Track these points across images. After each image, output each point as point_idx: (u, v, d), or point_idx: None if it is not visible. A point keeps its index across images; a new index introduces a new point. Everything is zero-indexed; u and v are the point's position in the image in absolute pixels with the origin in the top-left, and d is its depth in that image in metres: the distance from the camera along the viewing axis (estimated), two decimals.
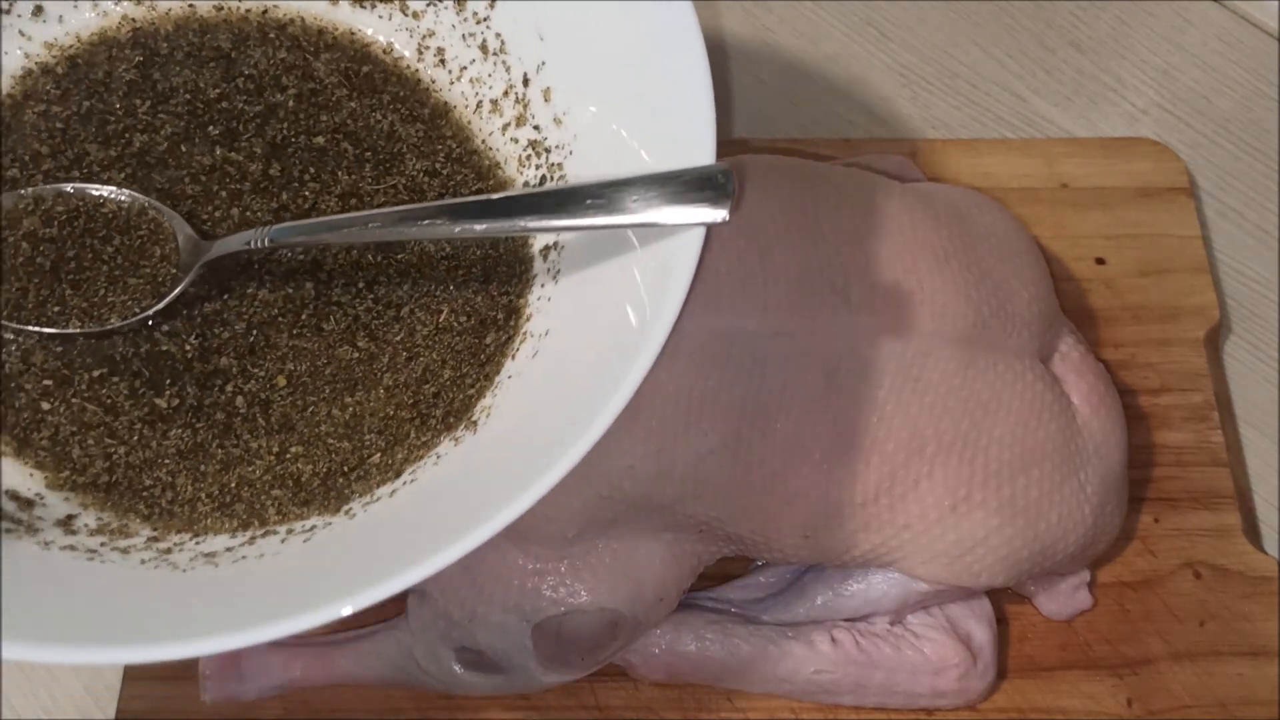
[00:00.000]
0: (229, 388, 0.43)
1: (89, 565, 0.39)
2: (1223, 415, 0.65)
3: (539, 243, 0.48)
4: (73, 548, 0.39)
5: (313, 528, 0.41)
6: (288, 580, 0.39)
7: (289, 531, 0.41)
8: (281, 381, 0.43)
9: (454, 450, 0.43)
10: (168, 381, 0.43)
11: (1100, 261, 0.69)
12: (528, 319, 0.46)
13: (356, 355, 0.44)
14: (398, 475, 0.42)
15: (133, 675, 0.58)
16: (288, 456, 0.43)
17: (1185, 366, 0.66)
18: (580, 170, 0.47)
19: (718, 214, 0.38)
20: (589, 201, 0.40)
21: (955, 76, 0.76)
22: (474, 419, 0.44)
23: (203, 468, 0.42)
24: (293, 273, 0.46)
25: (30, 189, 0.46)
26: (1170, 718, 0.58)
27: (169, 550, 0.40)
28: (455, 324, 0.45)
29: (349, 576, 0.36)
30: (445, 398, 0.44)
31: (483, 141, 0.50)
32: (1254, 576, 0.61)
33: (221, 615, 0.36)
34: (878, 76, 0.76)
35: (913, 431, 0.53)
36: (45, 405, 0.42)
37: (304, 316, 0.45)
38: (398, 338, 0.45)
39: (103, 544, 0.40)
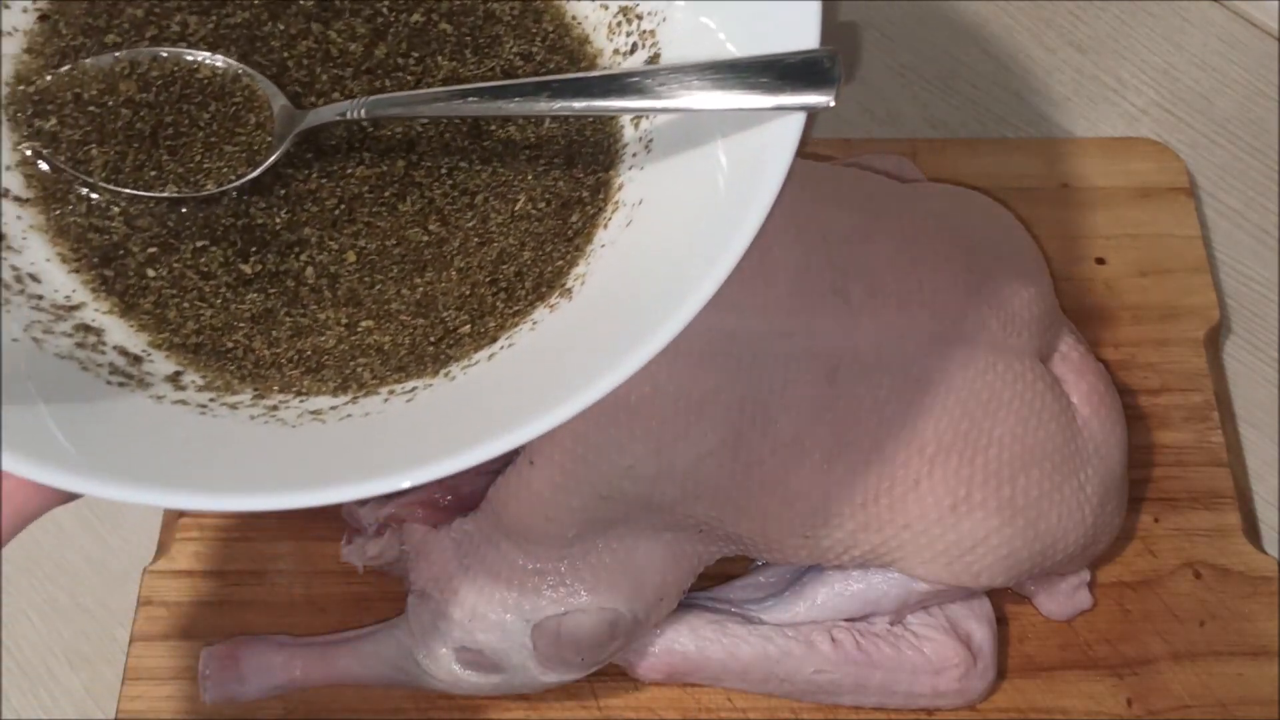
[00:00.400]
0: (303, 257, 0.44)
1: (202, 419, 0.39)
2: (1223, 415, 0.65)
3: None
4: (184, 402, 0.40)
5: (414, 389, 0.41)
6: (396, 437, 0.39)
7: (390, 393, 0.41)
8: (351, 257, 0.44)
9: (550, 316, 0.43)
10: (254, 249, 0.43)
11: (1100, 261, 0.69)
12: (619, 189, 0.45)
13: (426, 239, 0.44)
14: (493, 341, 0.42)
15: (133, 675, 0.59)
16: (359, 330, 0.43)
17: (1185, 366, 0.66)
18: (674, 37, 0.46)
19: (822, 98, 0.38)
20: (689, 82, 0.39)
21: (955, 76, 0.76)
22: (568, 287, 0.43)
23: (274, 333, 0.42)
24: (388, 151, 0.46)
25: (124, 52, 0.46)
26: (1170, 718, 0.58)
27: (275, 408, 0.41)
28: (533, 210, 0.45)
29: (458, 434, 0.36)
30: (531, 272, 0.44)
31: (573, 16, 0.49)
32: (1254, 576, 0.61)
33: (336, 468, 0.37)
34: (878, 76, 0.76)
35: (913, 431, 0.53)
36: (151, 272, 0.43)
37: (386, 194, 0.45)
38: (469, 224, 0.45)
39: (211, 400, 0.41)
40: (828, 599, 0.57)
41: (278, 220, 0.44)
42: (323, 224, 0.44)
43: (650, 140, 0.46)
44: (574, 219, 0.45)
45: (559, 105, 0.41)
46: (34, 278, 0.41)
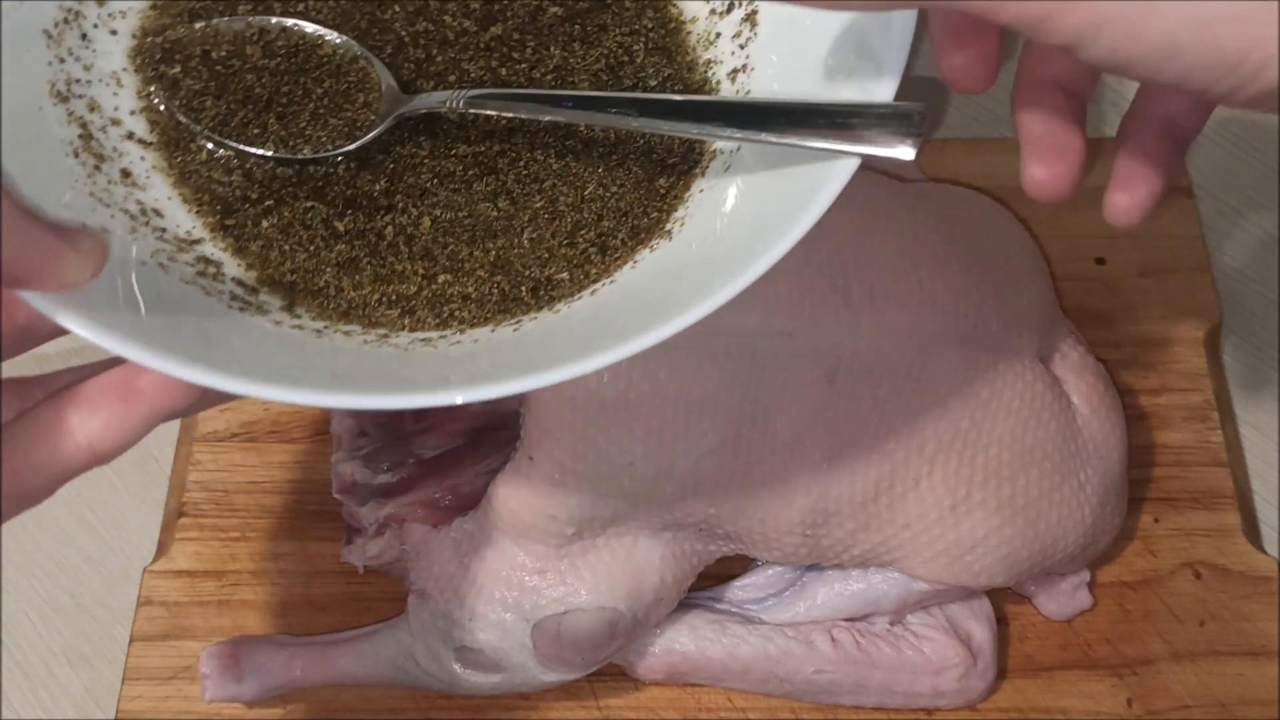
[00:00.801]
0: (386, 218, 0.46)
1: (319, 341, 0.42)
2: (1223, 415, 0.65)
3: (727, 66, 0.49)
4: (300, 328, 0.43)
5: (519, 321, 0.44)
6: (505, 355, 0.42)
7: (497, 324, 0.44)
8: (426, 223, 0.46)
9: (651, 255, 0.45)
10: (349, 211, 0.46)
11: (1100, 261, 0.69)
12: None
13: (495, 214, 0.47)
14: (595, 281, 0.45)
15: (133, 675, 0.59)
16: (438, 281, 0.45)
17: (1185, 366, 0.66)
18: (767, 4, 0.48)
19: (906, 153, 0.39)
20: (779, 118, 0.41)
21: None
22: (667, 229, 0.45)
23: (357, 277, 0.45)
24: (490, 134, 0.48)
25: (256, 18, 0.49)
26: (1170, 718, 0.58)
27: (386, 335, 0.43)
28: (603, 193, 0.47)
29: (567, 350, 0.38)
30: (623, 227, 0.46)
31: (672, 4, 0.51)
32: (1254, 576, 0.61)
33: (454, 376, 0.40)
34: None
35: (913, 431, 0.53)
36: (265, 223, 0.46)
37: (469, 174, 0.47)
38: (537, 204, 0.47)
39: (325, 328, 0.43)
40: (828, 599, 0.57)
41: (376, 188, 0.47)
42: (411, 194, 0.47)
43: (749, 91, 0.47)
44: (661, 183, 0.47)
45: (640, 123, 0.43)
46: (158, 213, 0.44)
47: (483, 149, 0.48)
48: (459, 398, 0.37)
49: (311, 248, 0.45)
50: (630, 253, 0.45)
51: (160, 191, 0.45)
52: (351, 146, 0.47)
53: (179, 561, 0.61)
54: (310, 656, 0.57)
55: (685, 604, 0.57)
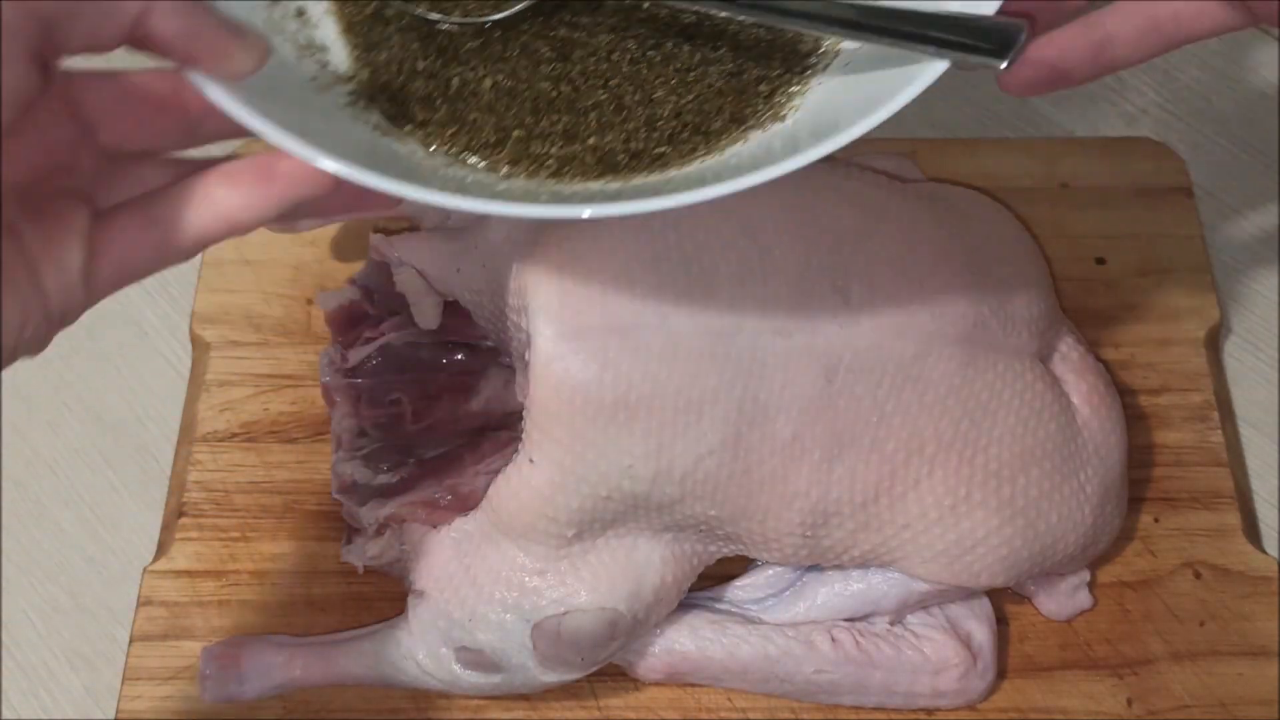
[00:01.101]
0: (456, 69, 0.49)
1: (448, 168, 0.46)
2: (1223, 415, 0.65)
3: None
4: (431, 156, 0.47)
5: (629, 177, 0.46)
6: (621, 191, 0.45)
7: (607, 181, 0.46)
8: (487, 84, 0.49)
9: (763, 135, 0.47)
10: (433, 55, 0.50)
11: (1100, 261, 0.69)
12: (838, 42, 0.49)
13: (555, 95, 0.49)
14: (706, 153, 0.47)
15: (133, 675, 0.59)
16: (511, 136, 0.48)
17: (1185, 366, 0.66)
18: None
19: (1001, 63, 0.43)
20: (886, 20, 0.44)
21: (955, 76, 0.76)
22: (782, 115, 0.48)
23: (436, 115, 0.48)
24: (593, 26, 0.50)
25: None
26: (1170, 718, 0.58)
27: (508, 176, 0.46)
28: (676, 100, 0.49)
29: (685, 185, 0.41)
30: (721, 116, 0.48)
31: None
32: (1254, 576, 0.61)
33: (577, 201, 0.44)
34: None
35: (913, 431, 0.53)
36: (382, 56, 0.49)
37: (545, 53, 0.50)
38: (601, 97, 0.49)
39: (450, 163, 0.47)
40: (828, 599, 0.57)
41: (469, 45, 0.50)
42: (490, 57, 0.50)
43: None
44: (762, 88, 0.49)
45: (757, 15, 0.45)
46: (323, 49, 0.48)
47: (575, 35, 0.50)
48: (586, 212, 0.40)
49: (400, 79, 0.49)
50: (742, 134, 0.47)
51: (329, 32, 0.49)
52: (498, 16, 0.49)
53: (179, 561, 0.61)
54: (310, 656, 0.57)
55: (685, 604, 0.57)
